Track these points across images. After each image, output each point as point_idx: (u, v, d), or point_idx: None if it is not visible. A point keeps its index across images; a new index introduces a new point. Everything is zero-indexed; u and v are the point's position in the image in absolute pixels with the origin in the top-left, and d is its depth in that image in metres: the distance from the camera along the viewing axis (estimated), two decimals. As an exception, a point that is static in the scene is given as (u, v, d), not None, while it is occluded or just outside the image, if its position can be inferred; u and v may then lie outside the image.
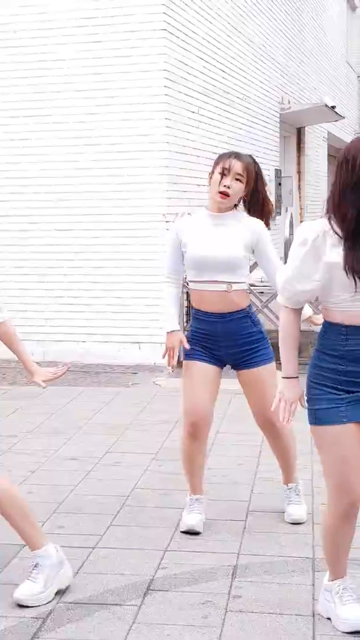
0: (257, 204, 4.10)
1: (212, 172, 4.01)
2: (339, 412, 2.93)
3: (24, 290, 8.94)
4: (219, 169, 3.97)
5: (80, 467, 5.23)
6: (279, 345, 3.13)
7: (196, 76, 9.47)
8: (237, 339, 4.03)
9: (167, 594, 3.50)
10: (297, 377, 3.12)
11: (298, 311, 3.08)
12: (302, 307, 3.09)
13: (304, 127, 16.50)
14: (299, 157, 16.33)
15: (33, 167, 8.83)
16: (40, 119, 8.77)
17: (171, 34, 8.60)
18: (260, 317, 8.33)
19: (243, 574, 3.68)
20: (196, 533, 4.11)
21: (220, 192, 3.94)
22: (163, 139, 8.48)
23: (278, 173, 13.36)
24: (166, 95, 8.51)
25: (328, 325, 2.96)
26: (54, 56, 8.70)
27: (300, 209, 16.52)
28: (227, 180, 3.94)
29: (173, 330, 4.13)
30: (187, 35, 9.11)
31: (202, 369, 4.08)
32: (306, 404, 3.05)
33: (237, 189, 3.96)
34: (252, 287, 8.74)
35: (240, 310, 4.02)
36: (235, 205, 4.06)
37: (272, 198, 13.67)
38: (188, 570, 3.73)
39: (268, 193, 4.16)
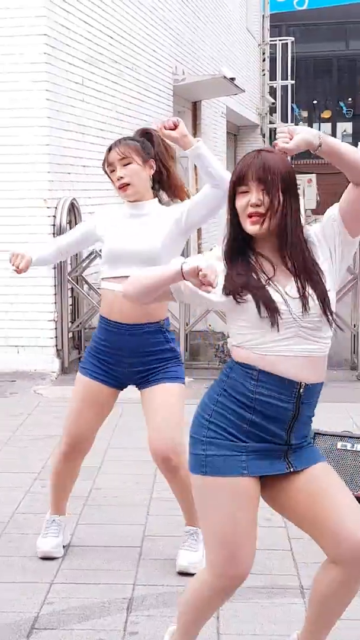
0: (163, 181, 4.10)
1: (110, 179, 4.05)
2: (239, 461, 2.75)
3: None
4: (108, 167, 4.01)
5: None
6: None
7: (80, 42, 9.45)
8: (144, 356, 3.98)
9: (54, 633, 3.51)
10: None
11: None
12: None
13: (200, 101, 16.67)
14: (195, 134, 16.49)
15: None
16: None
17: (51, -6, 8.56)
18: (213, 317, 8.39)
19: (139, 607, 3.73)
20: (53, 559, 4.15)
21: (119, 187, 3.97)
22: (43, 114, 8.43)
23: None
24: (47, 63, 8.46)
25: (235, 363, 2.80)
26: None
27: (197, 191, 16.67)
28: (117, 172, 3.97)
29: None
30: (69, -5, 9.08)
31: (95, 388, 4.05)
32: (189, 447, 2.85)
33: (132, 171, 3.96)
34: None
35: (154, 323, 3.97)
36: (154, 189, 4.05)
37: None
38: (77, 605, 3.75)
39: (175, 167, 4.15)
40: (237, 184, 2.77)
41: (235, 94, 17.63)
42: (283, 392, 2.75)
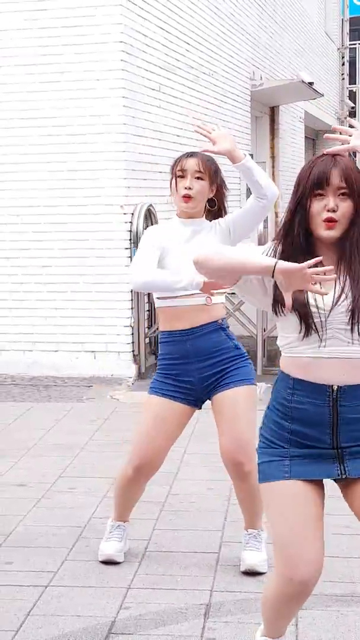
0: (212, 210, 4.09)
1: (171, 179, 4.05)
2: (282, 465, 2.82)
3: None
4: (176, 173, 4.01)
5: (29, 495, 5.22)
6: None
7: (157, 49, 9.50)
8: (210, 357, 3.98)
9: (131, 638, 3.51)
10: None
11: None
12: None
13: (278, 106, 16.63)
14: (272, 139, 16.45)
15: (-29, 152, 8.79)
16: (-21, 97, 8.73)
17: (128, 0, 8.63)
18: (231, 322, 8.44)
19: (217, 613, 3.71)
20: (115, 563, 4.16)
21: (184, 196, 3.97)
22: (120, 120, 8.50)
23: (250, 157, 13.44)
24: (123, 70, 8.53)
25: (279, 373, 2.88)
26: (-6, 25, 8.67)
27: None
28: (187, 181, 3.97)
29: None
30: (146, 2, 9.13)
31: (165, 407, 4.02)
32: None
33: (200, 187, 3.98)
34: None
35: (212, 323, 3.99)
36: (205, 211, 4.06)
37: (243, 185, 13.71)
38: (154, 610, 3.74)
39: (226, 199, 4.15)
40: (315, 187, 2.75)
41: (314, 99, 17.55)
42: (317, 397, 2.78)
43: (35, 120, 8.63)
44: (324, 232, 2.75)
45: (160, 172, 9.29)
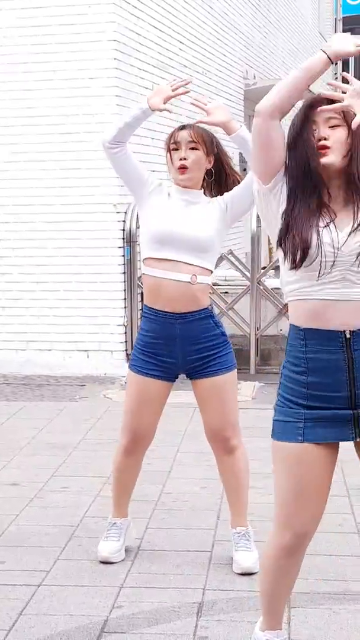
0: (222, 176, 4.10)
1: (166, 154, 4.05)
2: (295, 427, 2.85)
3: None
4: (170, 145, 4.01)
5: (21, 494, 5.22)
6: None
7: (150, 47, 9.50)
8: (196, 344, 4.01)
9: (124, 637, 3.51)
10: None
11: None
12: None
13: (272, 105, 16.61)
14: (266, 139, 16.44)
15: (-36, 150, 8.77)
16: (-28, 95, 8.72)
17: (121, -1, 8.63)
18: (225, 321, 8.46)
19: (209, 611, 3.71)
20: (112, 563, 4.17)
21: (179, 167, 3.96)
22: (113, 119, 8.48)
23: (243, 157, 13.45)
24: (116, 69, 8.53)
25: (290, 328, 2.89)
26: (-13, 24, 8.66)
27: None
28: (182, 152, 3.97)
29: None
30: (139, 1, 9.13)
31: (148, 386, 4.07)
32: None
33: (196, 157, 3.97)
34: (215, 287, 8.81)
35: (202, 310, 4.01)
36: (203, 186, 4.06)
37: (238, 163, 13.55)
38: (147, 609, 3.74)
39: (233, 164, 4.16)
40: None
41: (307, 98, 17.53)
42: (330, 344, 2.77)
43: (29, 118, 8.63)
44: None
45: (153, 170, 9.28)
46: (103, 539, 4.26)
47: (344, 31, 25.92)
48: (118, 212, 8.47)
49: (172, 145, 4.00)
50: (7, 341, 8.80)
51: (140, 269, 8.72)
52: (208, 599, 3.82)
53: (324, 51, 2.72)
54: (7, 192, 8.71)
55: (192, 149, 3.97)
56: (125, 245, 8.51)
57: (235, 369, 4.14)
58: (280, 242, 2.79)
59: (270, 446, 2.94)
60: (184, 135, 3.99)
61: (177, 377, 4.15)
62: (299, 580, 3.22)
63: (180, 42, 10.65)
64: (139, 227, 8.76)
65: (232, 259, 8.72)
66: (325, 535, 4.37)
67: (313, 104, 2.81)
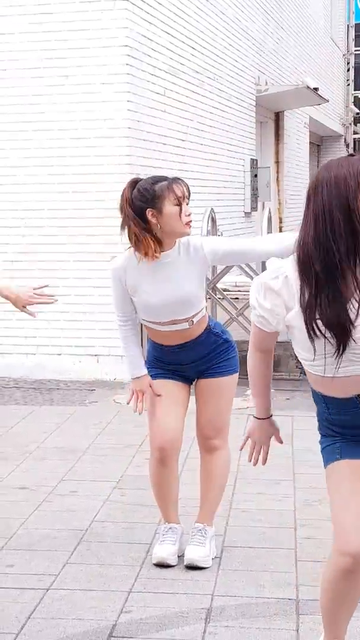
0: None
1: (155, 208, 3.94)
2: (334, 448, 2.97)
3: (-36, 296, 8.89)
4: (173, 201, 3.95)
5: (30, 498, 5.22)
6: (249, 377, 3.13)
7: (162, 53, 9.51)
8: (202, 357, 4.20)
9: (132, 641, 3.51)
10: (269, 418, 3.15)
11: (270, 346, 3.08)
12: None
13: (283, 111, 16.64)
14: (277, 145, 16.46)
15: (-25, 155, 8.80)
16: (-16, 100, 8.75)
17: (134, 4, 8.65)
18: (235, 327, 8.46)
19: (218, 617, 3.71)
20: (168, 566, 4.18)
21: (187, 224, 4.01)
22: (124, 124, 8.51)
23: (254, 163, 13.46)
24: (128, 74, 8.54)
25: (312, 390, 2.99)
26: (-1, 29, 8.69)
27: (279, 204, 16.65)
28: (186, 208, 4.01)
29: (140, 376, 4.21)
30: (151, 6, 9.15)
31: (169, 387, 4.22)
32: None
33: None
34: (225, 293, 8.81)
35: (202, 333, 4.16)
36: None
37: (247, 191, 13.72)
38: (155, 614, 3.74)
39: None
40: None
41: (319, 104, 17.55)
42: (348, 408, 2.88)
43: (39, 123, 8.65)
44: None
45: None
46: (159, 543, 4.28)
47: (356, 37, 25.94)
48: (129, 217, 8.47)
49: (176, 200, 3.97)
50: (18, 345, 8.82)
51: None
52: (216, 604, 3.82)
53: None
54: (18, 196, 8.73)
55: (187, 204, 4.05)
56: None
57: (236, 374, 4.27)
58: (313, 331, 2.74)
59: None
60: (182, 191, 4.00)
61: (192, 381, 4.31)
62: (307, 588, 3.21)
63: (192, 47, 10.67)
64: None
65: (243, 265, 8.72)
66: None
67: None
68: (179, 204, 3.98)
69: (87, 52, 8.53)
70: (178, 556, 4.26)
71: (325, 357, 2.76)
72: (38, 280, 8.65)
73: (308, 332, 2.72)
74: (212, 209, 8.82)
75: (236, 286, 9.52)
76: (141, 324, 4.28)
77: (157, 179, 4.05)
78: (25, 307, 4.08)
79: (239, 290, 9.30)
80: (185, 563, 4.18)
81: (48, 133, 8.64)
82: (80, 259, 8.64)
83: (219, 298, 8.66)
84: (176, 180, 4.05)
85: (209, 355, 4.19)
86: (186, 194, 4.02)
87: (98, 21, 8.50)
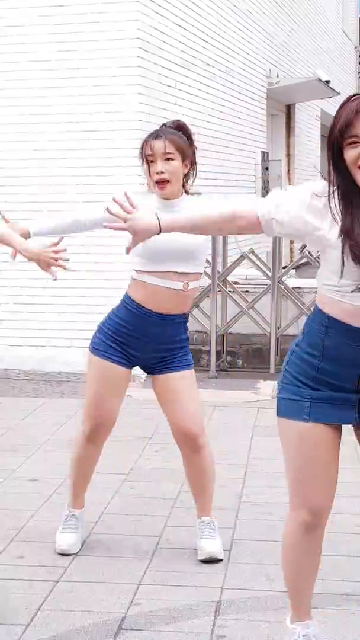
0: (188, 178, 4.08)
1: (142, 165, 3.99)
2: (302, 406, 2.91)
3: (-25, 288, 8.92)
4: (145, 158, 3.96)
5: (41, 490, 5.24)
6: None
7: (173, 46, 9.50)
8: (165, 343, 4.10)
9: (141, 634, 3.51)
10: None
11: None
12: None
13: (295, 104, 16.60)
14: (288, 138, 16.42)
15: (-14, 147, 8.81)
16: (-5, 92, 8.76)
17: (145, -3, 8.63)
18: (245, 320, 8.46)
19: (227, 610, 3.71)
20: (69, 555, 4.23)
21: (157, 183, 3.94)
22: (136, 117, 8.50)
23: (265, 156, 13.44)
24: (139, 67, 8.54)
25: (316, 310, 2.92)
26: (7, 22, 8.69)
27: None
28: (158, 166, 3.93)
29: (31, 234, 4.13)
30: (163, -1, 9.14)
31: (112, 371, 4.13)
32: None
33: (173, 169, 3.93)
34: (236, 286, 8.80)
35: (181, 315, 4.10)
36: (184, 186, 4.05)
37: (258, 184, 13.66)
38: (165, 606, 3.75)
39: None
40: (345, 134, 2.70)
41: (330, 97, 17.50)
42: (353, 340, 2.82)
43: (50, 116, 8.65)
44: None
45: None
46: (60, 531, 4.33)
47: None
48: (139, 210, 8.46)
49: (149, 157, 3.95)
50: (28, 338, 8.83)
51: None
52: (226, 597, 3.83)
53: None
54: (28, 189, 8.74)
55: (168, 159, 3.93)
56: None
57: (193, 369, 4.21)
58: (347, 234, 2.70)
59: (277, 424, 3.00)
60: (159, 146, 3.92)
61: (133, 368, 4.22)
62: (317, 581, 3.22)
63: (204, 40, 10.65)
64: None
65: (253, 257, 8.71)
66: (345, 535, 4.37)
67: (348, 126, 2.71)
68: (150, 161, 3.94)
69: (98, 45, 8.52)
70: (82, 542, 4.34)
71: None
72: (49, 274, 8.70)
73: (352, 253, 2.68)
74: None
75: (247, 279, 9.50)
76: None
77: (154, 132, 4.01)
78: (49, 268, 4.01)
79: (249, 283, 9.29)
80: (202, 557, 4.16)
81: (59, 126, 8.64)
82: (91, 251, 8.63)
83: (230, 291, 8.65)
84: (159, 133, 3.96)
85: (167, 349, 4.10)
86: (164, 150, 3.89)
87: (109, 13, 8.49)
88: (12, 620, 3.62)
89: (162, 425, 5.86)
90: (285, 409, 2.95)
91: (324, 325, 2.85)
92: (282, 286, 8.54)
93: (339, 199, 2.73)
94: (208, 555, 4.16)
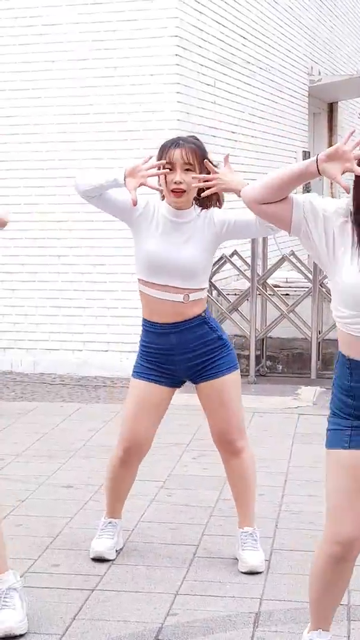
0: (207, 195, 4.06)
1: (158, 169, 3.99)
2: (344, 435, 2.97)
3: (10, 291, 8.98)
4: (164, 165, 3.97)
5: (76, 496, 5.26)
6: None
7: (213, 43, 9.51)
8: (194, 349, 4.10)
9: (178, 645, 3.52)
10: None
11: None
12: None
13: (337, 102, 16.53)
14: (330, 137, 16.36)
15: (21, 148, 8.87)
16: (30, 92, 8.80)
17: (184, -6, 8.65)
18: (286, 324, 8.43)
19: (266, 622, 3.70)
20: (106, 560, 4.26)
21: (173, 191, 3.96)
22: (174, 116, 8.52)
23: (306, 156, 13.39)
24: (178, 65, 8.55)
25: (339, 353, 3.00)
26: (45, 20, 8.74)
27: (332, 196, 16.54)
28: (176, 175, 3.95)
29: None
30: (202, -5, 9.15)
31: (149, 391, 4.16)
32: None
33: (190, 180, 3.96)
34: (276, 289, 8.78)
35: (195, 318, 4.09)
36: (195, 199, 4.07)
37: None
38: (202, 617, 3.75)
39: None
40: None
41: (374, 95, 17.41)
42: None
43: (88, 116, 8.69)
44: None
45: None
46: (97, 537, 4.36)
47: None
48: (177, 212, 8.48)
49: (167, 166, 3.96)
50: (64, 341, 8.87)
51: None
52: (265, 609, 3.82)
53: (317, 163, 2.77)
54: (64, 190, 8.77)
55: (187, 170, 3.95)
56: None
57: (237, 370, 4.21)
58: None
59: (325, 458, 3.05)
60: (179, 155, 3.95)
61: (182, 383, 4.26)
62: (358, 593, 3.20)
63: (243, 37, 10.64)
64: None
65: (294, 260, 8.69)
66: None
67: None
68: (171, 169, 3.94)
69: (136, 43, 8.54)
70: (116, 550, 4.35)
71: None
72: (85, 276, 8.75)
73: None
74: None
75: (287, 282, 9.48)
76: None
77: (174, 140, 4.03)
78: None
79: (289, 287, 9.27)
80: (244, 570, 4.16)
81: (96, 125, 8.67)
82: (129, 253, 8.63)
83: (269, 294, 8.63)
84: (177, 142, 3.98)
85: (201, 354, 4.10)
86: (184, 160, 3.92)
87: (147, 11, 8.51)
88: (46, 630, 3.64)
89: (200, 431, 5.87)
90: (330, 438, 3.01)
91: (347, 367, 2.93)
92: (324, 289, 8.50)
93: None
94: (250, 568, 4.16)
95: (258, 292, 8.53)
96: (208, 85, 9.37)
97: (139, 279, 4.13)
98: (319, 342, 8.43)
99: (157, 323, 4.10)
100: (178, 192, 3.96)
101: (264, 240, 8.88)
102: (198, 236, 4.03)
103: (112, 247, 8.72)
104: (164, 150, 4.01)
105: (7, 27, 8.82)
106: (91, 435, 6.62)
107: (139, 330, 9.37)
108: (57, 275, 8.90)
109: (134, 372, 4.23)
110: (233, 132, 10.07)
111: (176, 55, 8.52)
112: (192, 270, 4.02)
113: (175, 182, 3.95)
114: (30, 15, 8.76)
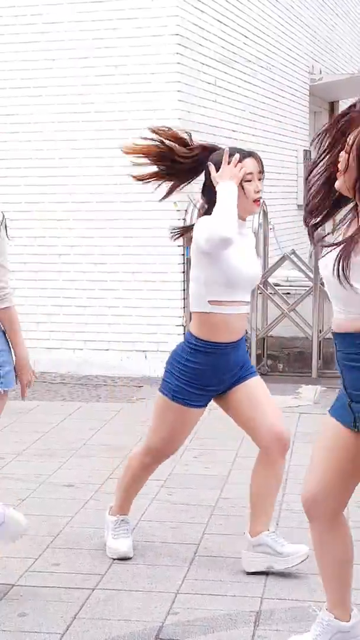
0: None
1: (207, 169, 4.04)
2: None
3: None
4: (247, 176, 3.98)
5: (77, 495, 5.26)
6: None
7: (213, 42, 9.50)
8: (238, 365, 4.13)
9: (179, 644, 3.52)
10: None
11: None
12: None
13: (338, 101, 16.53)
14: (331, 135, 16.35)
15: (22, 146, 8.87)
16: (31, 91, 8.81)
17: (185, -8, 8.65)
18: (287, 323, 8.43)
19: (268, 621, 3.71)
20: (128, 559, 4.27)
21: (256, 201, 4.01)
22: (175, 115, 8.51)
23: (307, 154, 13.39)
24: (179, 64, 8.55)
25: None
26: (46, 19, 8.75)
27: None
28: (257, 184, 4.00)
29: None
30: (203, -6, 9.15)
31: (196, 416, 4.19)
32: None
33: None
34: (277, 287, 8.78)
35: (244, 329, 4.18)
36: None
37: (300, 183, 13.61)
38: (203, 616, 3.75)
39: None
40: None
41: (375, 93, 17.42)
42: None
43: (89, 114, 8.69)
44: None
45: (215, 168, 9.28)
46: (113, 537, 4.35)
47: None
48: (178, 210, 8.48)
49: (247, 176, 3.97)
50: (65, 340, 8.88)
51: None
52: (266, 608, 3.82)
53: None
54: (66, 188, 8.79)
55: (260, 179, 4.03)
56: (184, 243, 8.51)
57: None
58: None
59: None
60: (254, 165, 4.01)
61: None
62: (359, 593, 3.20)
63: (245, 36, 10.64)
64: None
65: (295, 259, 8.69)
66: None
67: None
68: (248, 180, 3.98)
69: (137, 42, 8.54)
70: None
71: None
72: (86, 275, 8.75)
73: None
74: (263, 201, 8.79)
75: (288, 281, 9.48)
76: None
77: (243, 151, 4.06)
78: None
79: (290, 285, 9.27)
80: (300, 559, 4.14)
81: (97, 124, 8.67)
82: (129, 252, 8.67)
83: (271, 293, 8.64)
84: (251, 153, 4.07)
85: (244, 357, 4.18)
86: (259, 169, 4.03)
87: (148, 9, 8.51)
88: (47, 629, 3.64)
89: (201, 431, 5.86)
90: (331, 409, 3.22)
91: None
92: (325, 288, 8.50)
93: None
94: (302, 549, 4.15)
95: (259, 291, 8.53)
96: (209, 84, 9.37)
97: (209, 301, 3.97)
98: (320, 341, 8.43)
99: (222, 343, 4.02)
100: (259, 201, 4.02)
101: (265, 239, 8.88)
102: (252, 245, 4.12)
103: (113, 245, 8.72)
104: (242, 161, 3.96)
105: (8, 25, 8.82)
106: (92, 434, 6.63)
107: (139, 329, 9.43)
108: (58, 274, 8.90)
109: (174, 396, 4.08)
110: (234, 131, 10.06)
111: (177, 53, 8.52)
112: (257, 281, 4.11)
113: (256, 191, 4.00)
114: (31, 14, 8.77)
